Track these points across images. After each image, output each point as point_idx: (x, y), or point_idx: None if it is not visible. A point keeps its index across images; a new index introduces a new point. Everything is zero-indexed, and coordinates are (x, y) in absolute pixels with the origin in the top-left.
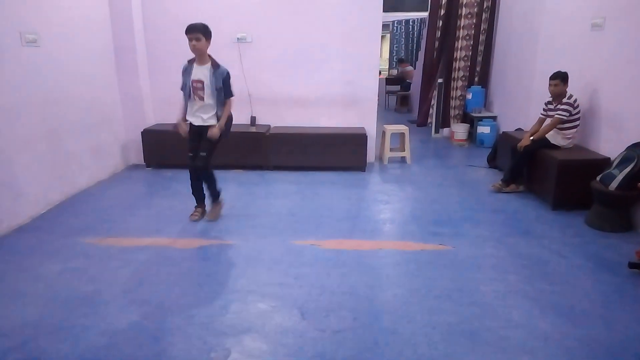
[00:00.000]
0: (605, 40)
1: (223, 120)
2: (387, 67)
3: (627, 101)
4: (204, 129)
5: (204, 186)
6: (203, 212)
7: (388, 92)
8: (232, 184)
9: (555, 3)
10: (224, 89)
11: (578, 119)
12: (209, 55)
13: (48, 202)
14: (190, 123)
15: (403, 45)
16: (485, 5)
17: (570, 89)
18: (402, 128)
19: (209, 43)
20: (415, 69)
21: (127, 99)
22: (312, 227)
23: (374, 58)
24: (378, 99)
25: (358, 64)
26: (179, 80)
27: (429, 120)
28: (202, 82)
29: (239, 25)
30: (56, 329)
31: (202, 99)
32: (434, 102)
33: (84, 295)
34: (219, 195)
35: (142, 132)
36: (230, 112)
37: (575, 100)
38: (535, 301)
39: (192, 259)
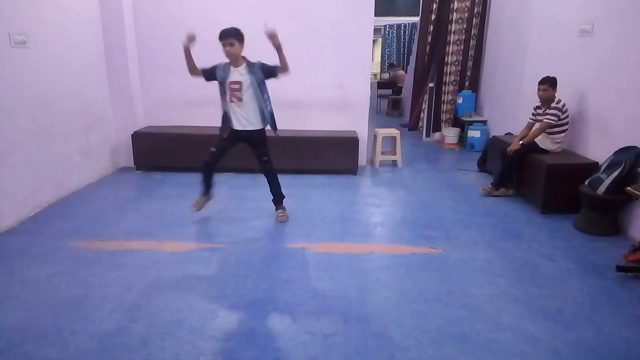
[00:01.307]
0: (593, 46)
1: (283, 58)
2: (379, 71)
3: (615, 106)
4: (247, 134)
5: (270, 187)
6: (205, 202)
7: (380, 96)
8: (223, 187)
9: (544, 9)
10: (266, 70)
11: (567, 123)
12: (244, 57)
13: (37, 204)
14: (229, 123)
15: (394, 50)
16: (475, 11)
17: (559, 94)
18: (394, 132)
19: (243, 46)
20: (406, 73)
21: (118, 101)
22: (303, 230)
23: (365, 62)
24: (370, 103)
25: (350, 68)
26: (170, 81)
27: (420, 124)
28: (239, 84)
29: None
30: (44, 333)
31: (240, 100)
32: (425, 106)
33: (73, 299)
34: (283, 198)
35: (132, 135)
36: (273, 114)
37: (563, 105)
38: (525, 304)
39: (182, 262)
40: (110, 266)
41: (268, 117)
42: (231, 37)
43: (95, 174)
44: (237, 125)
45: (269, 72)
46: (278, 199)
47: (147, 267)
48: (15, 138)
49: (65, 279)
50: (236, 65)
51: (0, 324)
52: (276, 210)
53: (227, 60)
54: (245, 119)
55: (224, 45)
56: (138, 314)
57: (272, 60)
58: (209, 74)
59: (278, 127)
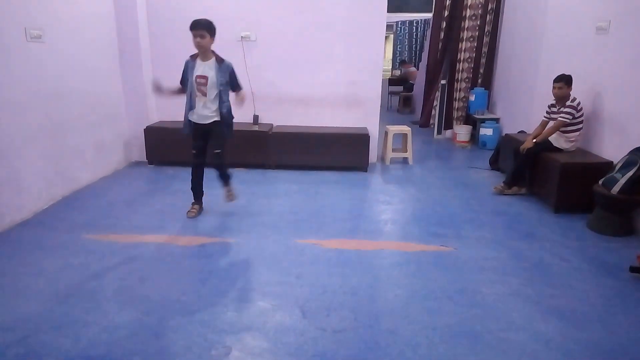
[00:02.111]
0: (609, 43)
1: (241, 97)
2: (390, 67)
3: (631, 105)
4: (209, 127)
5: (219, 174)
6: (200, 209)
7: (391, 93)
8: (234, 183)
9: (560, 6)
10: (231, 83)
11: (581, 122)
12: (213, 51)
13: (51, 197)
14: (194, 122)
15: (406, 46)
16: (489, 7)
17: (573, 92)
18: (405, 129)
19: (213, 40)
20: (418, 70)
21: (131, 96)
22: (313, 226)
23: (377, 58)
24: (380, 100)
25: (361, 64)
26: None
27: (432, 122)
28: (205, 78)
29: (243, 24)
30: (58, 324)
31: (204, 94)
32: (436, 103)
33: (86, 291)
34: (229, 178)
35: (144, 129)
36: (232, 114)
37: (578, 104)
38: (537, 304)
39: (194, 256)
40: (123, 259)
41: (225, 115)
42: (202, 28)
43: (108, 168)
44: (199, 120)
45: (232, 85)
46: (225, 180)
47: (159, 260)
48: (31, 132)
49: (79, 271)
50: (204, 59)
51: (15, 315)
52: (223, 188)
53: (193, 52)
54: (207, 112)
55: (195, 36)
56: (150, 306)
57: (285, 62)
58: (185, 80)
59: (289, 123)
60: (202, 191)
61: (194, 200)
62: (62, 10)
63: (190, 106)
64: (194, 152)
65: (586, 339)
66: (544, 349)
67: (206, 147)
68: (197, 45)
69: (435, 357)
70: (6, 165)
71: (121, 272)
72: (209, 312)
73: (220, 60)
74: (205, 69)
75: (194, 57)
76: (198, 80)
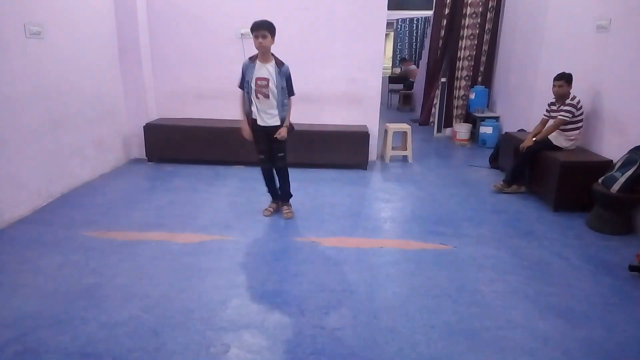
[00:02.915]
0: (610, 42)
1: (288, 120)
2: (391, 65)
3: (631, 104)
4: (270, 130)
5: (280, 184)
6: (276, 208)
7: (391, 91)
8: (233, 180)
9: (561, 4)
10: (287, 88)
11: (581, 120)
12: (272, 54)
13: (50, 194)
14: (258, 125)
15: (407, 44)
16: (490, 5)
17: (574, 91)
18: (405, 127)
19: (274, 40)
20: (418, 68)
21: (130, 93)
22: (313, 224)
23: (377, 56)
24: (380, 98)
25: (362, 62)
26: (183, 73)
27: (432, 120)
28: (267, 80)
29: (242, 21)
30: (56, 321)
31: (267, 96)
32: (436, 101)
33: (85, 288)
34: (291, 197)
35: (144, 127)
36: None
37: (578, 102)
38: (535, 302)
39: (193, 253)
40: (122, 256)
41: (285, 117)
42: (264, 29)
43: (107, 165)
44: (261, 122)
45: (287, 89)
46: (286, 197)
47: (158, 257)
48: (30, 129)
49: (78, 268)
50: (264, 60)
51: (14, 312)
52: (282, 206)
53: (253, 53)
54: (269, 115)
55: (256, 37)
56: (149, 303)
57: (285, 60)
58: (243, 82)
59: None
60: (277, 190)
61: (272, 200)
62: (61, 7)
63: (251, 108)
64: (262, 157)
65: (585, 337)
66: (543, 347)
67: (272, 150)
68: (259, 46)
69: (434, 354)
70: (5, 162)
71: (120, 270)
72: (208, 309)
73: (280, 64)
74: (266, 71)
75: (252, 59)
76: (259, 82)
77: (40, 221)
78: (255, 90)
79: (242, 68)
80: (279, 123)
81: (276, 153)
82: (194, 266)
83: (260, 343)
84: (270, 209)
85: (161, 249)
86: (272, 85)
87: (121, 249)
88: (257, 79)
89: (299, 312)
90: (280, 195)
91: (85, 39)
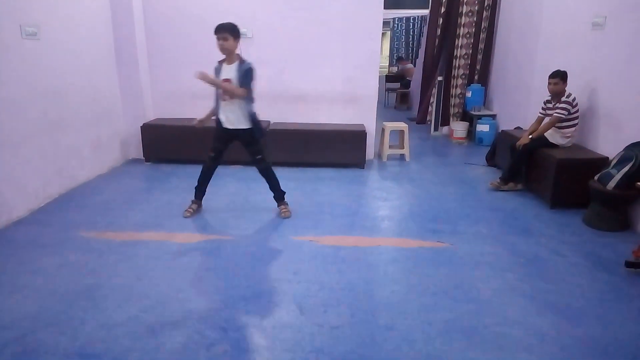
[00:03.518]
0: (605, 39)
1: (231, 87)
2: (387, 64)
3: (626, 101)
4: (236, 133)
5: (269, 185)
6: (197, 209)
7: (388, 90)
8: (231, 180)
9: (556, 2)
10: (240, 80)
11: (577, 117)
12: (238, 55)
13: (47, 195)
14: (221, 125)
15: (403, 43)
16: (486, 4)
17: (569, 88)
18: (402, 125)
19: (238, 42)
20: (415, 66)
21: (127, 93)
22: (311, 223)
23: (374, 55)
24: (377, 96)
25: (358, 61)
26: (179, 74)
27: (429, 118)
28: (229, 81)
29: (239, 21)
30: (55, 321)
31: (231, 97)
32: (433, 100)
33: (84, 289)
34: (284, 194)
35: (141, 127)
36: (254, 110)
37: (574, 99)
38: (533, 299)
39: (191, 253)
40: (120, 256)
41: (252, 117)
42: (225, 31)
43: (105, 165)
44: (227, 124)
45: (239, 81)
46: (278, 195)
47: (156, 257)
48: (27, 130)
49: (76, 269)
50: (229, 62)
51: (12, 313)
52: (278, 206)
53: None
54: (234, 118)
55: (218, 39)
56: (148, 304)
57: (281, 59)
58: None
59: (286, 120)
60: (205, 192)
61: (194, 199)
62: (57, 7)
63: (218, 109)
64: (212, 154)
65: (582, 334)
66: (540, 344)
67: (224, 151)
68: (221, 48)
69: (432, 352)
70: (2, 163)
71: (118, 270)
72: (207, 308)
73: (242, 62)
74: (230, 72)
75: (221, 62)
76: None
77: (38, 222)
78: (221, 92)
79: (214, 71)
80: (245, 127)
81: (253, 156)
82: (192, 266)
83: (259, 342)
84: (191, 210)
85: (160, 249)
86: (234, 85)
87: (119, 250)
88: (222, 80)
89: (298, 310)
90: (274, 195)
91: (81, 39)
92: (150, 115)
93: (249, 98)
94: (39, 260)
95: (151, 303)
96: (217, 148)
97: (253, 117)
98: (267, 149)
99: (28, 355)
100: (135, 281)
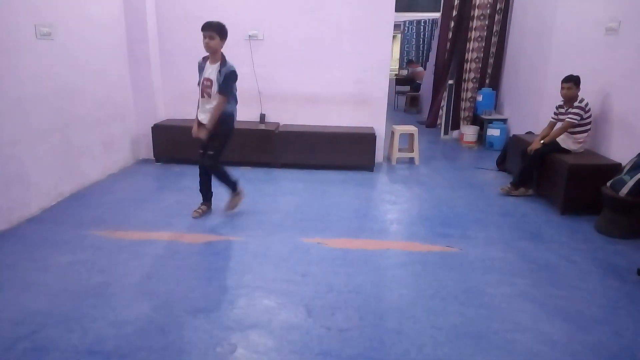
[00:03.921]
0: (619, 44)
1: (210, 123)
2: (397, 67)
3: None
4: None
5: (217, 183)
6: (206, 210)
7: (398, 93)
8: (240, 181)
9: (569, 6)
10: (221, 85)
11: (589, 123)
12: (222, 54)
13: (59, 193)
14: (200, 121)
15: (414, 46)
16: (498, 7)
17: (582, 93)
18: (412, 129)
19: (224, 42)
20: (425, 69)
21: (139, 93)
22: (319, 225)
23: (385, 58)
24: (387, 99)
25: (369, 63)
26: (190, 75)
27: (439, 122)
28: (210, 81)
29: (250, 23)
30: (65, 319)
31: (209, 96)
32: (444, 103)
33: (94, 287)
34: (235, 187)
35: (152, 127)
36: (231, 110)
37: (587, 105)
38: (543, 305)
39: (201, 253)
40: (130, 255)
41: (225, 116)
42: (212, 30)
43: (116, 165)
44: (204, 119)
45: (219, 86)
46: (207, 194)
47: (166, 257)
48: (40, 128)
49: (87, 267)
50: (212, 61)
51: (24, 309)
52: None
53: (201, 52)
54: (206, 114)
55: (204, 37)
56: (157, 302)
57: (292, 61)
58: (199, 82)
59: (295, 122)
60: (211, 192)
61: (202, 201)
62: (71, 8)
63: (198, 106)
64: (201, 151)
65: (592, 341)
66: (550, 351)
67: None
68: (206, 46)
69: (441, 356)
70: (16, 162)
71: (128, 269)
72: (215, 309)
73: (223, 64)
74: (212, 71)
75: (205, 59)
76: (204, 82)
77: (50, 220)
78: (202, 90)
79: (198, 67)
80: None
81: (206, 149)
82: (201, 266)
83: (267, 343)
84: (199, 211)
85: (169, 249)
86: (214, 85)
87: (130, 248)
88: (204, 79)
89: (306, 312)
90: (200, 188)
91: (94, 40)
92: (162, 116)
93: (229, 100)
94: (50, 257)
95: (160, 302)
96: (203, 145)
97: (227, 116)
98: (222, 153)
99: (38, 352)
100: (144, 280)
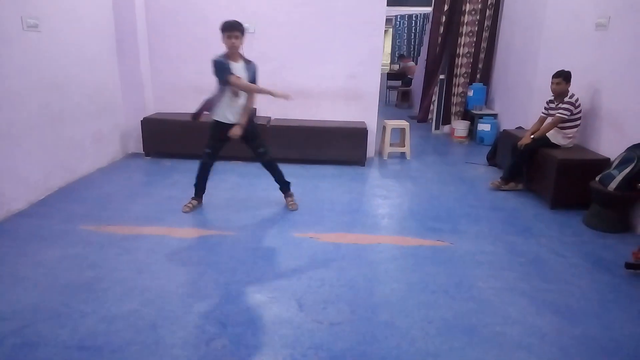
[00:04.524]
0: (609, 40)
1: (243, 119)
2: (389, 62)
3: (629, 102)
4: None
5: (274, 177)
6: (197, 205)
7: (389, 88)
8: (232, 176)
9: (560, 2)
10: (253, 81)
11: (579, 118)
12: (240, 53)
13: (48, 187)
14: (220, 122)
15: (405, 41)
16: (489, 2)
17: (572, 88)
18: (403, 123)
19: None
20: (416, 64)
21: (128, 86)
22: (311, 220)
23: (377, 52)
24: (379, 94)
25: (361, 58)
26: (180, 68)
27: (430, 117)
28: (240, 79)
29: (242, 15)
30: (55, 314)
31: (237, 95)
32: (435, 98)
33: (84, 282)
34: (289, 185)
35: (142, 121)
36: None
37: (576, 100)
38: (532, 299)
39: (192, 248)
40: (121, 250)
41: (254, 111)
42: (238, 30)
43: (105, 159)
44: (226, 120)
45: (251, 80)
46: (284, 187)
47: (157, 252)
48: (28, 122)
49: (77, 262)
50: (235, 59)
51: (13, 305)
52: (285, 198)
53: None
54: (233, 113)
55: (230, 37)
56: (148, 297)
57: (284, 55)
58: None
59: (287, 117)
60: (205, 188)
61: (194, 196)
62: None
63: (218, 106)
64: (209, 151)
65: (581, 334)
66: (539, 343)
67: (222, 148)
68: (231, 46)
69: (432, 350)
70: (4, 156)
71: (119, 263)
72: (207, 303)
73: (247, 61)
74: (238, 69)
75: (225, 57)
76: None
77: (39, 215)
78: (231, 89)
79: (223, 61)
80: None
81: (255, 150)
82: (192, 260)
83: (258, 338)
84: (190, 206)
85: (160, 244)
86: None
87: (120, 243)
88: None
89: (298, 307)
90: (280, 187)
91: (83, 31)
92: (151, 109)
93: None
94: (39, 252)
95: (151, 297)
96: (215, 146)
97: (254, 111)
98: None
99: (28, 348)
100: (135, 275)
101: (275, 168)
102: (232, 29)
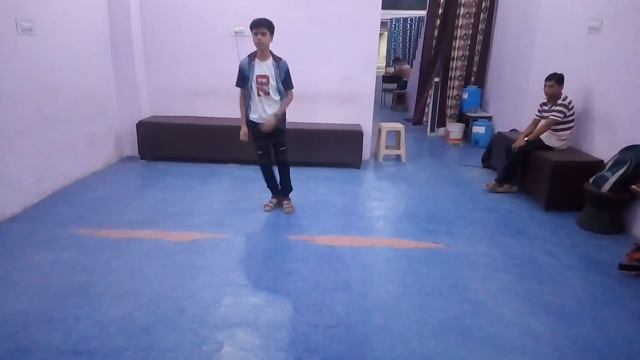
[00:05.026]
0: (601, 43)
1: (281, 110)
2: (384, 65)
3: (622, 104)
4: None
5: (282, 178)
6: (277, 203)
7: (384, 90)
8: (227, 178)
9: (553, 5)
10: (285, 81)
11: (572, 120)
12: (270, 51)
13: (41, 191)
14: (255, 122)
15: (400, 44)
16: (483, 6)
17: (565, 91)
18: (398, 126)
19: (273, 38)
20: (412, 67)
21: (123, 89)
22: (306, 222)
23: (371, 55)
24: (374, 97)
25: (356, 61)
26: (176, 71)
27: (425, 119)
28: (267, 77)
29: (237, 19)
30: (48, 318)
31: (267, 94)
32: (430, 101)
33: (77, 286)
34: (291, 191)
35: (137, 124)
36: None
37: (570, 102)
38: (526, 300)
39: (186, 251)
40: (114, 254)
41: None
42: (263, 26)
43: (99, 162)
44: (261, 119)
45: (285, 83)
46: (286, 191)
47: (150, 255)
48: (21, 125)
49: (69, 266)
50: (262, 58)
51: (5, 309)
52: (283, 201)
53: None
54: (270, 112)
55: (256, 34)
56: (141, 301)
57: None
58: (242, 80)
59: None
60: (278, 185)
61: (272, 195)
62: (54, 2)
63: (251, 106)
64: (260, 152)
65: (575, 335)
66: (534, 344)
67: (273, 145)
68: (258, 43)
69: (426, 352)
70: None
71: (112, 267)
72: (201, 307)
73: (278, 59)
74: (265, 68)
75: (251, 57)
76: (259, 79)
77: (32, 219)
78: (257, 88)
79: (241, 66)
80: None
81: (277, 147)
82: (186, 264)
83: (253, 341)
84: (271, 204)
85: (154, 247)
86: (272, 81)
87: (113, 247)
88: (258, 76)
89: (293, 309)
90: (281, 189)
91: (77, 34)
92: (146, 112)
93: (285, 94)
94: (32, 257)
95: (145, 301)
96: (261, 145)
97: (285, 111)
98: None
99: (20, 353)
100: (129, 279)
101: (287, 171)
102: (258, 26)
